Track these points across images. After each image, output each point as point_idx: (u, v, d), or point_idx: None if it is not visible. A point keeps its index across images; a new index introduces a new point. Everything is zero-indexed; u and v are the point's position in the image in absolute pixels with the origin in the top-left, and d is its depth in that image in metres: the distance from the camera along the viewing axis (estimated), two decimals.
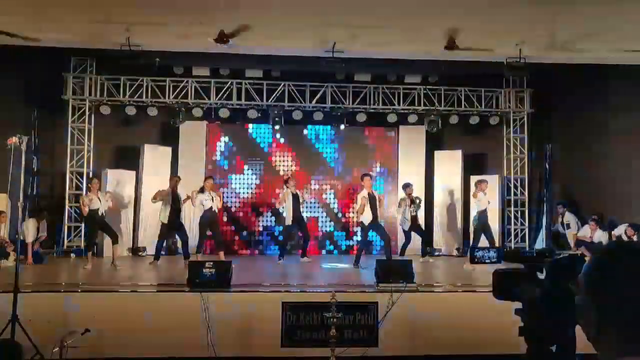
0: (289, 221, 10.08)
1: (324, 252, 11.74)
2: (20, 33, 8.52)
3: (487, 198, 9.92)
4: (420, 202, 10.43)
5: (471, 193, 10.28)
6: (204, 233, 9.68)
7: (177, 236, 10.13)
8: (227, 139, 11.83)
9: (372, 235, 10.42)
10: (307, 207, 11.47)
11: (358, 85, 11.49)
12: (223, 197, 10.75)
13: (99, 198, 9.03)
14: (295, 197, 10.07)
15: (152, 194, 9.88)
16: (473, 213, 10.24)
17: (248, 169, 11.78)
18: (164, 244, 9.87)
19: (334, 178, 11.97)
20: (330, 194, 11.94)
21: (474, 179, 11.50)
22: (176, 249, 10.61)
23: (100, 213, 9.01)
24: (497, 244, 10.23)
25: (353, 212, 11.06)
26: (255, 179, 11.79)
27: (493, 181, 11.29)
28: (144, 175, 11.02)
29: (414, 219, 10.33)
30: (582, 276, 1.10)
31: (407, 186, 10.42)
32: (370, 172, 10.84)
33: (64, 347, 5.24)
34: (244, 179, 11.79)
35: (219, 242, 9.78)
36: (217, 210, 9.65)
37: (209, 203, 9.48)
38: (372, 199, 9.33)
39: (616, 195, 10.54)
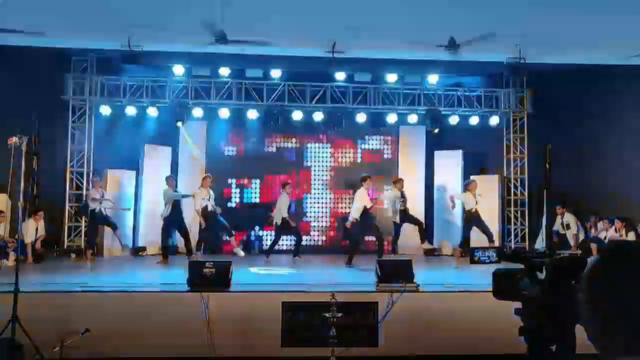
0: (278, 220, 10.16)
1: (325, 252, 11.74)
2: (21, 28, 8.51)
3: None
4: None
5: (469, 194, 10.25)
6: (204, 231, 9.70)
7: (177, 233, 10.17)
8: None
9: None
10: (307, 208, 11.50)
11: (358, 85, 11.50)
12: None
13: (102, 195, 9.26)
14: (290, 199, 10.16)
15: (151, 194, 9.89)
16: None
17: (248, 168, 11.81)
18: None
19: (334, 178, 11.97)
20: (329, 194, 11.95)
21: (474, 179, 11.51)
22: (177, 249, 10.59)
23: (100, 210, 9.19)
24: (496, 244, 10.28)
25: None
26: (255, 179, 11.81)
27: (493, 181, 11.31)
28: (144, 175, 11.02)
29: (404, 212, 10.40)
30: (584, 275, 1.10)
31: (398, 181, 10.60)
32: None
33: (64, 347, 5.24)
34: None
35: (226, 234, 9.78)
36: (214, 209, 9.65)
37: (206, 202, 9.50)
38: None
39: (616, 195, 10.53)
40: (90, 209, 9.41)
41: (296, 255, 10.11)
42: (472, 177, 10.66)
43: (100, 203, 9.58)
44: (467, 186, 10.16)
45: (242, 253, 8.65)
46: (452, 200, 10.31)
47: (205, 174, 10.56)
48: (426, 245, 10.44)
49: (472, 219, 9.93)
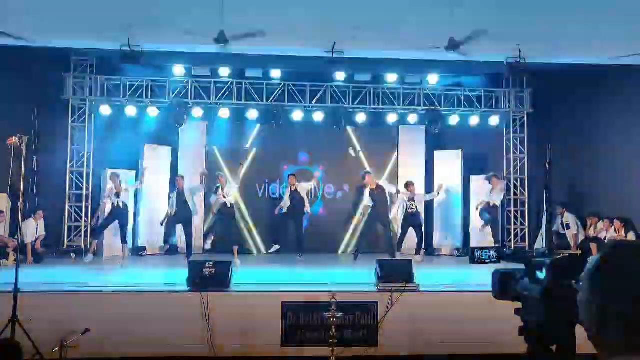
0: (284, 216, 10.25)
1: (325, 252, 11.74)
2: (19, 34, 8.51)
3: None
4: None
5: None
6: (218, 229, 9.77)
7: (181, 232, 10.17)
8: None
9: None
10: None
11: (358, 85, 11.49)
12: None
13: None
14: (294, 196, 10.13)
15: (151, 194, 9.83)
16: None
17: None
18: None
19: (334, 178, 11.98)
20: (329, 193, 11.95)
21: (474, 179, 11.53)
22: (177, 249, 10.59)
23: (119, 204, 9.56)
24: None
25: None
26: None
27: None
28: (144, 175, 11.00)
29: (413, 215, 10.40)
30: (584, 275, 1.10)
31: (409, 184, 10.58)
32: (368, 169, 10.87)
33: (64, 347, 5.24)
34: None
35: (234, 238, 9.75)
36: (230, 205, 9.69)
37: (222, 199, 9.56)
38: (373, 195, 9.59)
39: (615, 195, 10.52)
40: (112, 202, 9.52)
41: (298, 253, 10.13)
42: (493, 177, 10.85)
43: (118, 197, 9.60)
44: (490, 180, 10.48)
45: (238, 262, 8.68)
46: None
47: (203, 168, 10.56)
48: (419, 259, 10.26)
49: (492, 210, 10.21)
